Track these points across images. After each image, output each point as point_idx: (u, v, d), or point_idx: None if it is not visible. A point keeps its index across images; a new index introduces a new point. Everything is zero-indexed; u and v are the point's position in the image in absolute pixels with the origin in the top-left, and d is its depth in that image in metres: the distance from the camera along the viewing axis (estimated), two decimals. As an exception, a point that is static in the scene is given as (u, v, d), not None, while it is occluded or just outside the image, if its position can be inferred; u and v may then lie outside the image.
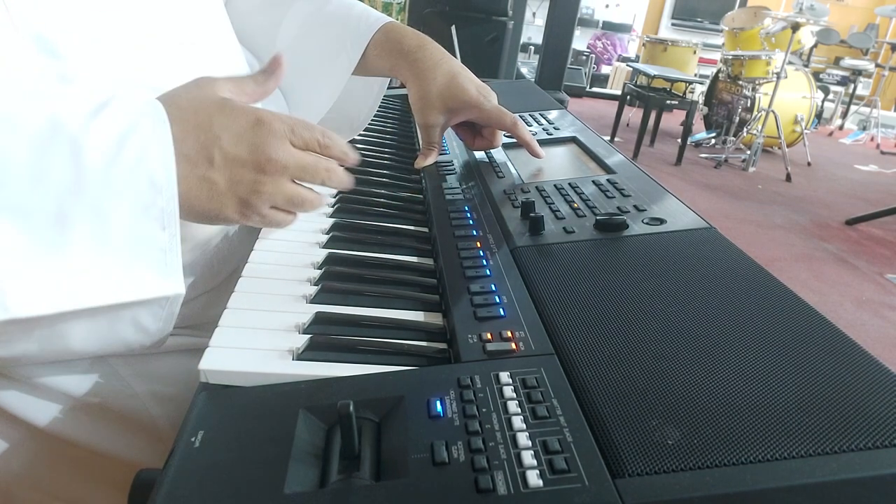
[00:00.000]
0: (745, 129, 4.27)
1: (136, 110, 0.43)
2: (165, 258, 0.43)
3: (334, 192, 0.72)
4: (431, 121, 0.74)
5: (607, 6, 7.63)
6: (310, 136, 0.50)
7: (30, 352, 0.44)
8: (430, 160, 0.77)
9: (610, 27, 7.57)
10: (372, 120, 1.03)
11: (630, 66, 6.03)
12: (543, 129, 0.95)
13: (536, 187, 0.71)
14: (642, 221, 0.61)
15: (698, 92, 5.10)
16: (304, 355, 0.43)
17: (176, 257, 0.44)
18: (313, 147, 0.50)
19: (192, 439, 0.35)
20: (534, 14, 6.48)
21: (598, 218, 0.60)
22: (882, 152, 5.41)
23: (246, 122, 0.47)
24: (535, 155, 0.79)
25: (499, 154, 0.84)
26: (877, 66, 6.34)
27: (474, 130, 0.81)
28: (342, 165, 0.53)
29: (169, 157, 0.43)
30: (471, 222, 0.64)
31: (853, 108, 6.40)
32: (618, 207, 0.64)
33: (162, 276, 0.44)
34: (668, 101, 4.24)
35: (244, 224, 0.50)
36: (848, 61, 6.29)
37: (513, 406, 0.37)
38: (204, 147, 0.45)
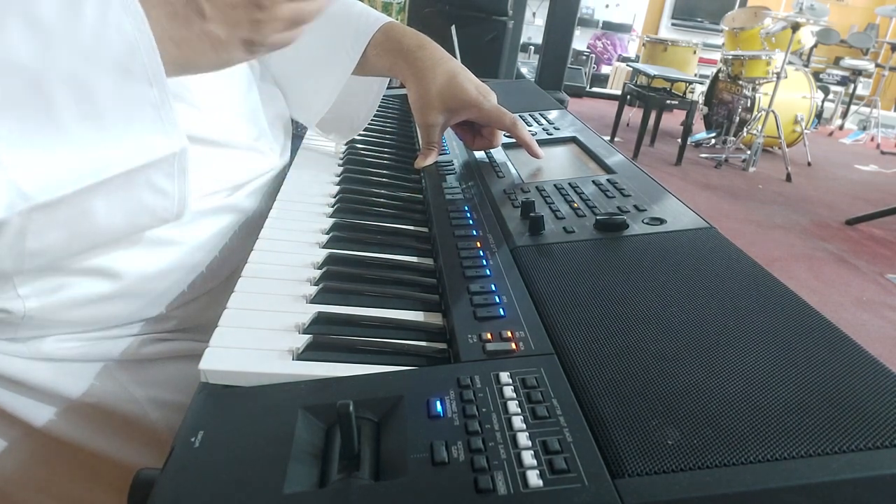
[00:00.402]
0: (745, 129, 4.27)
1: None
2: (159, 114, 0.42)
3: (334, 192, 0.72)
4: (431, 120, 0.74)
5: (607, 6, 7.63)
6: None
7: (62, 240, 0.43)
8: (430, 160, 0.77)
9: (610, 27, 7.57)
10: (372, 120, 1.03)
11: (630, 66, 6.02)
12: (543, 129, 0.95)
13: (536, 187, 0.71)
14: (642, 221, 0.61)
15: (698, 92, 5.10)
16: (303, 355, 0.43)
17: (170, 112, 0.43)
18: None
19: (192, 439, 0.35)
20: (534, 14, 6.48)
21: (598, 218, 0.60)
22: (882, 152, 5.41)
23: None
24: (535, 155, 0.79)
25: (499, 154, 0.84)
26: (877, 66, 6.34)
27: (474, 130, 0.81)
28: None
29: (135, 6, 0.40)
30: (471, 222, 0.64)
31: (853, 108, 6.40)
32: (618, 207, 0.64)
33: (161, 133, 0.43)
34: (668, 101, 4.24)
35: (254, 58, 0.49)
36: (848, 61, 6.29)
37: (513, 406, 0.37)
38: (191, 1, 0.43)
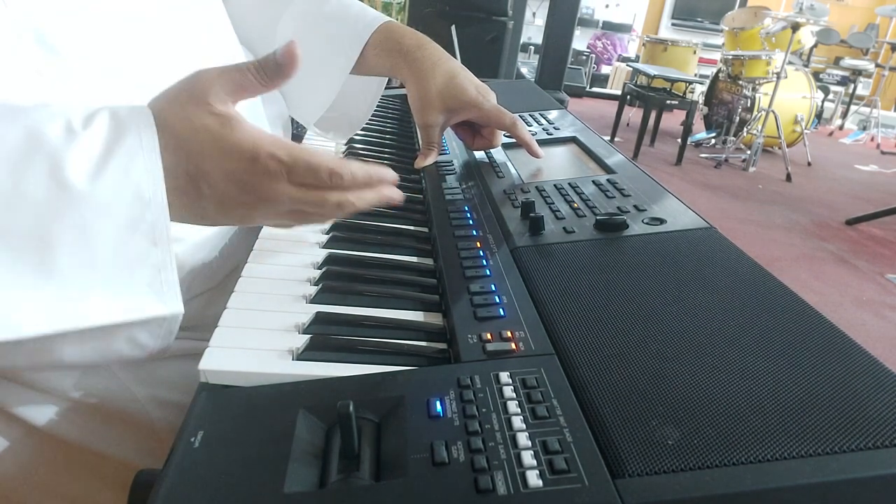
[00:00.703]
0: (745, 129, 4.27)
1: (121, 122, 0.41)
2: (160, 276, 0.42)
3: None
4: (431, 120, 0.74)
5: (607, 6, 7.63)
6: (312, 179, 0.45)
7: (19, 364, 0.43)
8: (430, 160, 0.77)
9: (610, 27, 7.57)
10: (372, 120, 1.03)
11: (630, 66, 6.03)
12: (543, 129, 0.95)
13: (536, 187, 0.71)
14: (642, 221, 0.61)
15: (698, 92, 5.10)
16: (304, 355, 0.43)
17: (171, 274, 0.42)
18: (318, 184, 0.46)
19: (192, 439, 0.35)
20: (534, 14, 6.48)
21: (598, 218, 0.60)
22: (882, 152, 5.41)
23: (240, 160, 0.43)
24: (535, 155, 0.79)
25: (499, 154, 0.84)
26: (877, 66, 6.34)
27: (474, 130, 0.81)
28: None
29: (156, 168, 0.40)
30: (471, 222, 0.64)
31: (853, 108, 6.40)
32: (618, 207, 0.64)
33: (157, 295, 0.42)
34: (668, 101, 4.24)
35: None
36: (848, 61, 6.29)
37: (513, 406, 0.37)
38: (193, 180, 0.43)
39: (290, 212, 0.46)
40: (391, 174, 0.49)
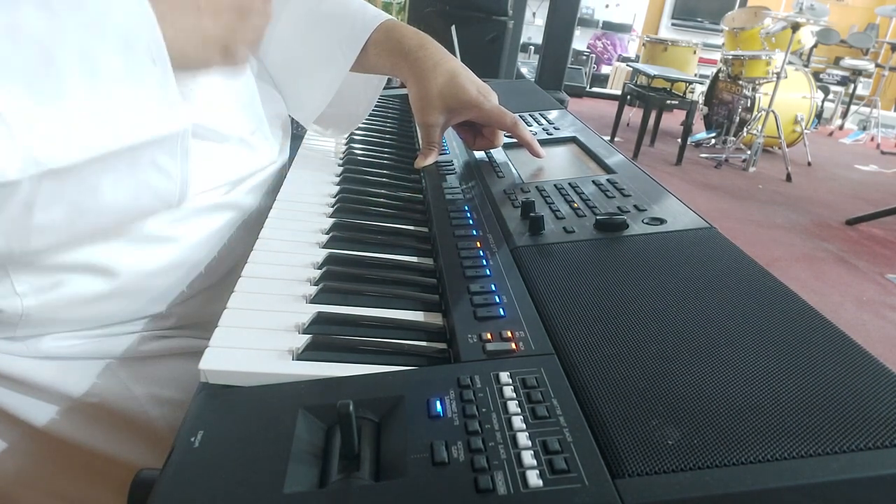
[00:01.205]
0: (745, 129, 4.27)
1: None
2: (163, 92, 0.44)
3: (334, 192, 0.72)
4: (431, 120, 0.74)
5: (607, 6, 7.63)
6: None
7: (67, 216, 0.44)
8: (431, 160, 0.77)
9: (610, 27, 7.57)
10: (372, 120, 1.03)
11: (630, 66, 6.02)
12: (543, 129, 0.95)
13: (536, 187, 0.71)
14: (642, 221, 0.61)
15: (698, 92, 5.10)
16: (303, 355, 0.43)
17: (173, 90, 0.44)
18: None
19: (192, 439, 0.35)
20: (534, 14, 6.48)
21: (598, 218, 0.60)
22: (882, 152, 5.41)
23: None
24: (536, 155, 0.79)
25: (499, 154, 0.84)
26: (877, 66, 6.34)
27: (475, 130, 0.81)
28: None
29: None
30: (471, 222, 0.64)
31: (853, 108, 6.40)
32: (618, 207, 0.64)
33: (166, 109, 0.44)
34: (668, 101, 4.24)
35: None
36: (848, 61, 6.29)
37: (513, 406, 0.37)
38: None
39: None
40: None
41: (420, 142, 0.78)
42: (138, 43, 0.42)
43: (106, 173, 0.43)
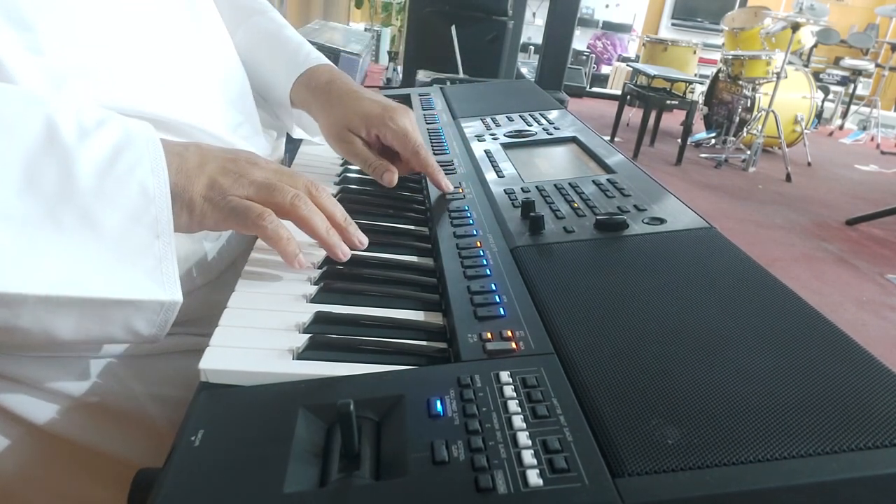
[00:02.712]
0: (745, 129, 4.27)
1: (131, 130, 0.46)
2: (161, 266, 0.44)
3: (334, 192, 0.72)
4: (348, 141, 0.73)
5: (607, 6, 7.64)
6: (291, 176, 0.52)
7: (15, 337, 0.43)
8: (391, 176, 0.71)
9: (610, 27, 7.58)
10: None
11: (630, 66, 6.03)
12: (543, 128, 0.95)
13: (536, 187, 0.71)
14: (642, 221, 0.61)
15: (698, 92, 5.10)
16: (304, 355, 0.43)
17: (172, 265, 0.45)
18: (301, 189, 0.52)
19: (192, 438, 0.35)
20: (534, 14, 6.48)
21: (598, 217, 0.60)
22: (882, 152, 5.41)
23: (226, 152, 0.51)
24: (439, 187, 0.72)
25: (499, 154, 0.84)
26: (877, 66, 6.34)
27: (393, 154, 0.76)
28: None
29: (161, 167, 0.45)
30: (471, 222, 0.64)
31: (853, 108, 6.40)
32: (618, 207, 0.64)
33: (158, 283, 0.44)
34: (668, 101, 4.24)
35: (219, 223, 0.50)
36: (848, 61, 6.29)
37: (513, 405, 0.37)
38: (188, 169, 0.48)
39: (263, 182, 0.50)
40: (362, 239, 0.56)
41: (365, 169, 0.74)
42: (146, 217, 0.44)
43: (69, 317, 0.42)
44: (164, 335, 0.47)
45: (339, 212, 0.55)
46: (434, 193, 0.72)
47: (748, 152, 4.23)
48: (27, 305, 0.40)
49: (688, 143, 4.23)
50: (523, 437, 0.34)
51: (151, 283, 0.44)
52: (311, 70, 0.79)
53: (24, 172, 0.40)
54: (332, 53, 2.56)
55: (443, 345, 0.46)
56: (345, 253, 0.53)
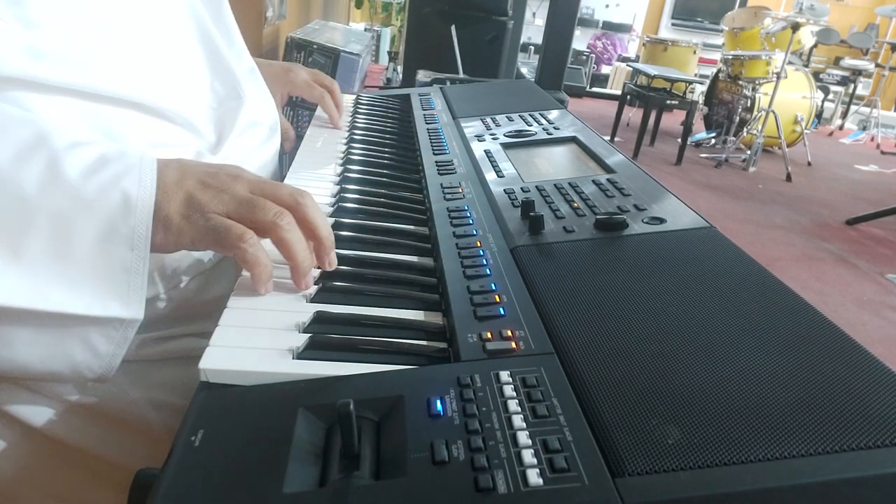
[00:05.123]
0: (745, 129, 4.27)
1: (126, 151, 0.46)
2: (128, 279, 0.43)
3: (334, 192, 0.72)
4: None
5: (607, 6, 7.63)
6: (274, 191, 0.49)
7: None
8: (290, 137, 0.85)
9: (610, 27, 7.57)
10: (372, 120, 1.03)
11: (630, 66, 6.02)
12: (543, 128, 0.95)
13: (536, 187, 0.71)
14: (642, 221, 0.61)
15: (698, 92, 5.10)
16: (303, 354, 0.43)
17: (140, 280, 0.43)
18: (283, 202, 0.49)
19: (192, 438, 0.35)
20: (534, 14, 6.48)
21: (598, 217, 0.60)
22: (882, 152, 5.41)
23: (208, 167, 0.49)
24: (334, 123, 0.92)
25: (499, 154, 0.84)
26: (877, 66, 6.34)
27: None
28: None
29: (149, 181, 0.44)
30: (471, 222, 0.64)
31: (853, 108, 6.40)
32: (618, 207, 0.64)
33: (122, 298, 0.43)
34: (668, 101, 4.24)
35: (195, 242, 0.48)
36: (848, 61, 6.29)
37: (513, 405, 0.37)
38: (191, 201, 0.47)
39: (243, 198, 0.48)
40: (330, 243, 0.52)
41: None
42: (123, 227, 0.42)
43: (26, 330, 0.42)
44: (118, 363, 0.46)
45: (324, 226, 0.51)
46: (434, 193, 0.72)
47: (748, 152, 4.23)
48: None
49: (688, 142, 4.23)
50: (523, 437, 0.34)
51: (115, 298, 0.43)
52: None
53: (5, 165, 0.40)
54: (332, 53, 2.56)
55: (443, 344, 0.46)
56: (307, 284, 0.50)
